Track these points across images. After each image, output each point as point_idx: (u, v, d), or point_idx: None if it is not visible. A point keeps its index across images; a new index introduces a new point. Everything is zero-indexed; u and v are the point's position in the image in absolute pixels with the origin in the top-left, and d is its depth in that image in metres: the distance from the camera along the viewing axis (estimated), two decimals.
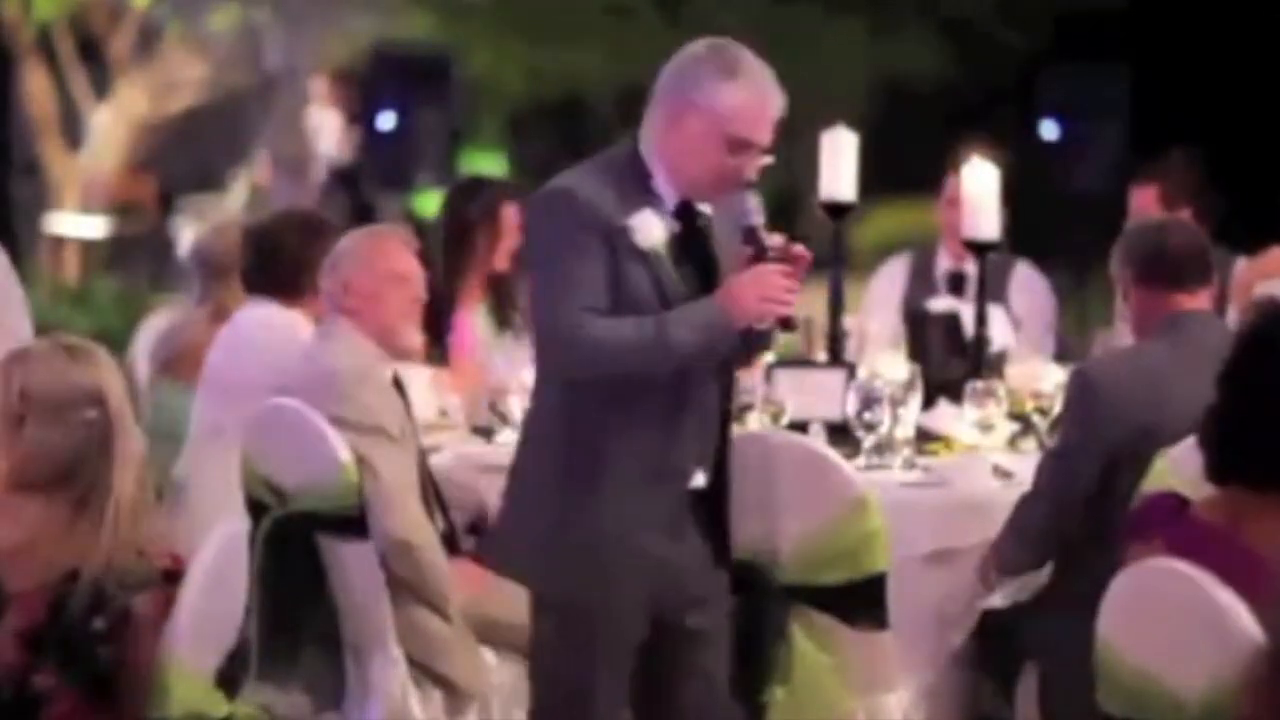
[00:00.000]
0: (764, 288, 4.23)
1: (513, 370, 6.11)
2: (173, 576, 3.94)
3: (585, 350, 4.20)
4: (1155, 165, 6.98)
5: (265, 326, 5.79)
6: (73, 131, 13.94)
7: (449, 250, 6.83)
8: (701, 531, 4.40)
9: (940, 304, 6.95)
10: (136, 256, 13.92)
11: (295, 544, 4.96)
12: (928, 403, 5.72)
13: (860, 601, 4.74)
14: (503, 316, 6.81)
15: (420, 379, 6.05)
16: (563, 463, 4.30)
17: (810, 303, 5.96)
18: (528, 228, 4.46)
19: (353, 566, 4.95)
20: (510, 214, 6.86)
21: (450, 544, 5.21)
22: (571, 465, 4.29)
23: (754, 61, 4.30)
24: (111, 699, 3.89)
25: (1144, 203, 6.70)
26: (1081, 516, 4.73)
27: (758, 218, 4.29)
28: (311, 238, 5.81)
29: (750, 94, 4.26)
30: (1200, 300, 4.82)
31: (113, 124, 13.80)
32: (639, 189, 4.28)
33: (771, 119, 4.29)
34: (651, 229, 4.25)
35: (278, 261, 5.89)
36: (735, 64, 4.27)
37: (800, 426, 5.49)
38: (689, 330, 4.21)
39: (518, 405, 5.95)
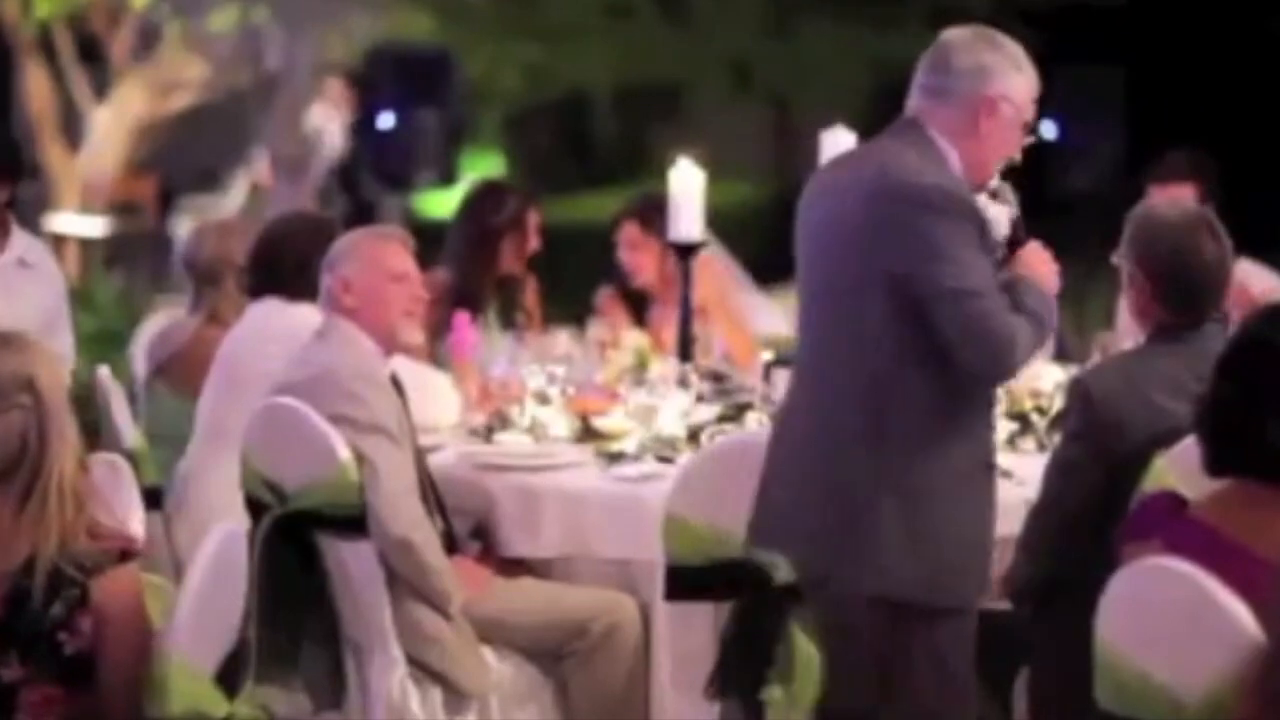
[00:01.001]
0: (1046, 261, 4.46)
1: (514, 371, 6.12)
2: (128, 556, 3.94)
3: (1022, 349, 4.27)
4: (1184, 164, 6.90)
5: (283, 321, 5.78)
6: (73, 131, 13.94)
7: (470, 253, 6.89)
8: None
9: None
10: (137, 256, 13.92)
11: (295, 543, 4.96)
12: None
13: None
14: (508, 318, 6.87)
15: (442, 383, 6.07)
16: (940, 465, 4.30)
17: None
18: (916, 229, 4.25)
19: (353, 565, 4.96)
20: (533, 219, 6.97)
21: (448, 543, 5.23)
22: (950, 468, 4.31)
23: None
24: (87, 685, 3.89)
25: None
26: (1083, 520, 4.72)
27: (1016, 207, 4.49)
28: (316, 238, 5.82)
29: (1032, 80, 4.46)
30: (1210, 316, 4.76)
31: (113, 124, 13.80)
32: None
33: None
34: (1001, 218, 4.38)
35: (284, 263, 5.89)
36: (1016, 52, 4.45)
37: None
38: (1045, 309, 4.36)
39: (518, 406, 5.96)
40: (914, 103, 4.43)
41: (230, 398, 5.73)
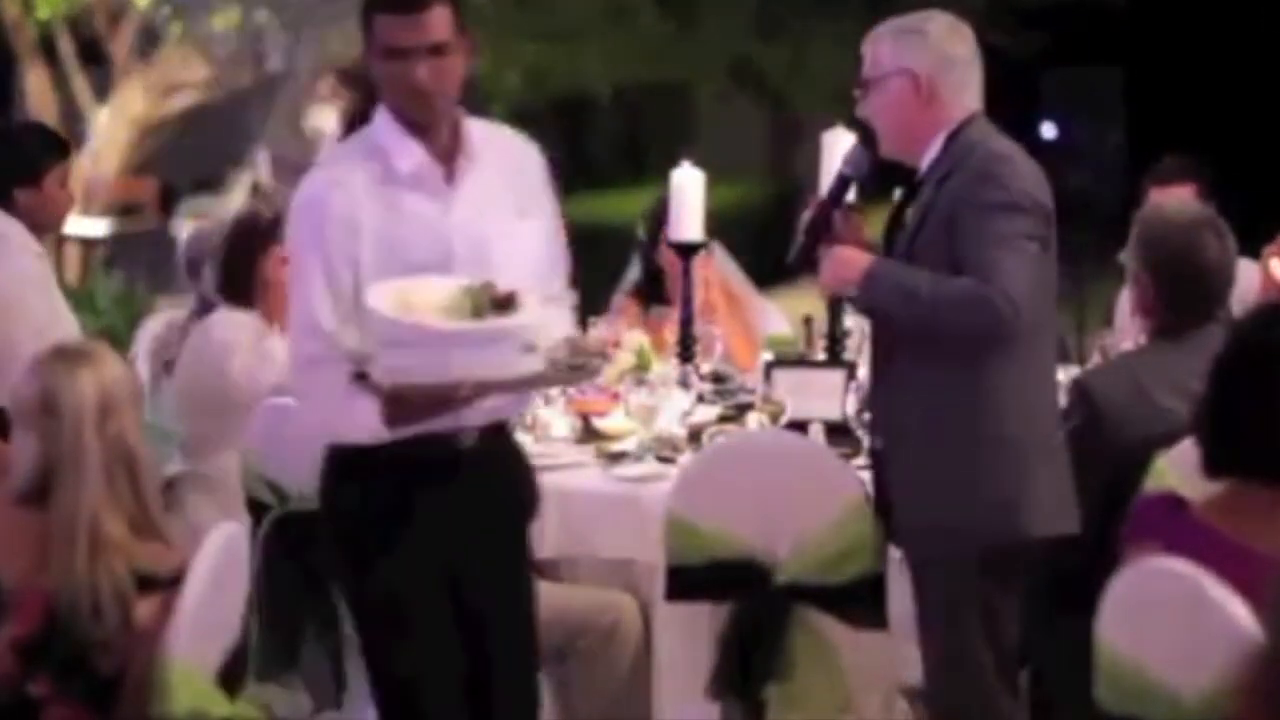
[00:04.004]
0: None
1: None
2: (175, 581, 3.91)
3: None
4: (1183, 165, 6.91)
5: (206, 342, 5.84)
6: (74, 132, 13.95)
7: None
8: None
9: None
10: (138, 257, 13.93)
11: (296, 543, 4.97)
12: None
13: (860, 601, 4.73)
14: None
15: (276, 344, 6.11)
16: None
17: (810, 302, 5.98)
18: None
19: None
20: None
21: None
22: None
23: None
24: (111, 706, 3.87)
25: None
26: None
27: None
28: (249, 240, 5.88)
29: None
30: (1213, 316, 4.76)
31: (114, 125, 13.81)
32: None
33: None
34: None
35: (228, 268, 5.95)
36: None
37: (800, 426, 5.50)
38: None
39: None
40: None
41: (179, 406, 5.81)
